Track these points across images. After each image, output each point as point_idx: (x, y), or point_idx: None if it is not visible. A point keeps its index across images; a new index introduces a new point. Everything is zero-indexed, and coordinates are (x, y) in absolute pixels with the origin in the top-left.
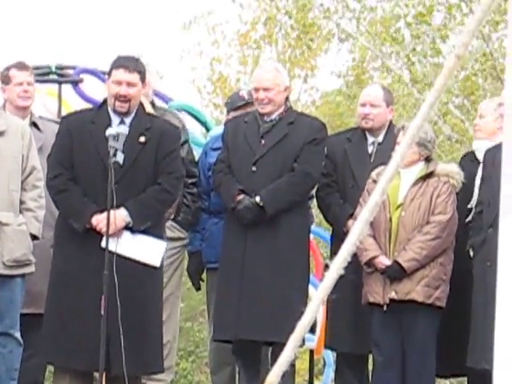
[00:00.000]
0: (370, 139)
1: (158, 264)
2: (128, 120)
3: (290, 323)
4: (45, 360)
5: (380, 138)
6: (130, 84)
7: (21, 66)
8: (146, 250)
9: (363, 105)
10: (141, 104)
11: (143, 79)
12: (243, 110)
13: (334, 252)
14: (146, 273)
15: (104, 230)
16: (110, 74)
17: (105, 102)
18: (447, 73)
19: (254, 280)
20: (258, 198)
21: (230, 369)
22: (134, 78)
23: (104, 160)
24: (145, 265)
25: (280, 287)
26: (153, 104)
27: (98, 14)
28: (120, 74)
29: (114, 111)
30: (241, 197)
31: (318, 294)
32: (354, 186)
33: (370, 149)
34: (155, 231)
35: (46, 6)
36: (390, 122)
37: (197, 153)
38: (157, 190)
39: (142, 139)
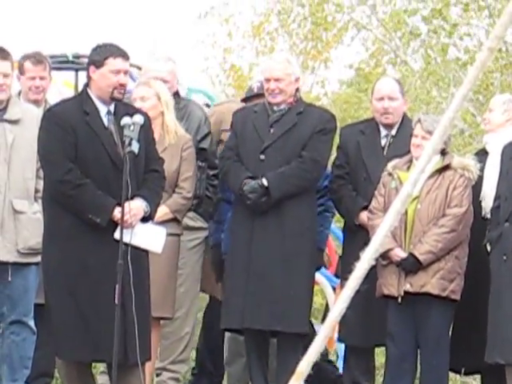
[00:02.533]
0: (384, 132)
1: (159, 251)
2: (111, 108)
3: (295, 312)
4: (59, 356)
5: (393, 131)
6: (126, 72)
7: (36, 60)
8: (151, 237)
9: (381, 99)
10: None
11: None
12: (253, 102)
13: (346, 244)
14: (146, 261)
15: (129, 221)
16: (102, 62)
17: (84, 90)
18: (480, 65)
19: (261, 269)
20: (264, 180)
21: (244, 360)
22: (128, 65)
23: (109, 151)
24: (146, 252)
25: (286, 276)
26: (178, 94)
27: (114, 3)
28: (119, 64)
29: (113, 99)
30: (248, 180)
31: (350, 284)
32: (366, 179)
33: (384, 141)
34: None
35: None
36: (404, 115)
37: None
38: (158, 178)
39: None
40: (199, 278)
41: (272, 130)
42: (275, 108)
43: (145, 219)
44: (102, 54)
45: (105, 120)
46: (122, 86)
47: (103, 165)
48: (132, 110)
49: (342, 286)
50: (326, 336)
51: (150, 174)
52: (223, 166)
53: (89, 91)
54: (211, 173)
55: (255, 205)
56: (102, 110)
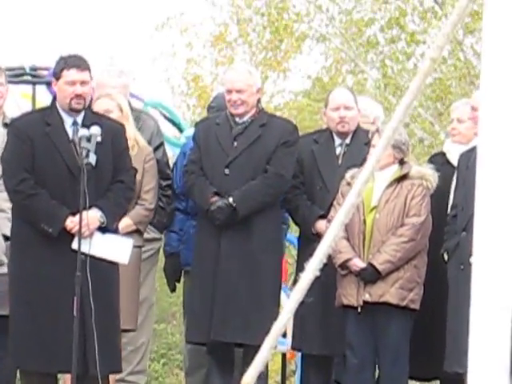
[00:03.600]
0: (338, 141)
1: (126, 262)
2: (79, 119)
3: (262, 325)
4: (16, 365)
5: (348, 140)
6: (83, 82)
7: None
8: (115, 248)
9: (337, 108)
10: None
11: (91, 76)
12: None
13: (301, 253)
14: (113, 272)
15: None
16: (59, 74)
17: (53, 102)
18: (422, 75)
19: (227, 282)
20: (230, 199)
21: (205, 370)
22: (86, 75)
23: (68, 162)
24: (113, 263)
25: (252, 289)
26: (130, 106)
27: (70, 16)
28: (73, 74)
29: (71, 110)
30: (214, 198)
31: (294, 296)
32: (322, 188)
33: (338, 150)
34: (117, 229)
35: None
36: (358, 124)
37: (171, 152)
38: (122, 188)
39: (99, 138)
40: (154, 287)
41: (236, 144)
42: (238, 120)
43: (104, 229)
44: (59, 66)
45: (69, 131)
46: (79, 96)
47: (61, 175)
48: (104, 120)
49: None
50: (270, 346)
51: (114, 184)
52: (187, 181)
53: (56, 103)
54: (164, 183)
55: (222, 224)
56: (68, 121)
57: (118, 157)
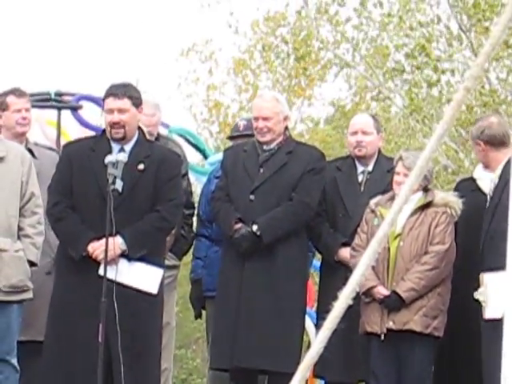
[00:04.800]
0: (360, 168)
1: (155, 291)
2: (128, 147)
3: (286, 352)
4: None
5: (370, 167)
6: (120, 110)
7: (19, 93)
8: (143, 277)
9: (355, 133)
10: (141, 131)
11: (137, 104)
12: (240, 140)
13: (323, 280)
14: (144, 301)
15: (99, 257)
16: (103, 103)
17: (104, 130)
18: (456, 105)
19: (251, 309)
20: (255, 227)
21: None
22: (125, 103)
23: (102, 187)
24: (143, 292)
25: (276, 316)
26: (158, 135)
27: (96, 41)
28: (110, 103)
29: (112, 139)
30: (238, 225)
31: (327, 324)
32: (344, 215)
33: (360, 177)
34: (153, 258)
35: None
36: (379, 151)
37: (196, 179)
38: (154, 218)
39: (141, 166)
40: (174, 313)
41: (262, 170)
42: (265, 147)
43: (129, 257)
44: (104, 94)
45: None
46: (116, 124)
47: (94, 201)
48: (157, 149)
49: (319, 321)
50: (303, 377)
51: (149, 214)
52: (214, 207)
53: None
54: (187, 212)
55: (246, 252)
56: (115, 148)
57: (161, 186)
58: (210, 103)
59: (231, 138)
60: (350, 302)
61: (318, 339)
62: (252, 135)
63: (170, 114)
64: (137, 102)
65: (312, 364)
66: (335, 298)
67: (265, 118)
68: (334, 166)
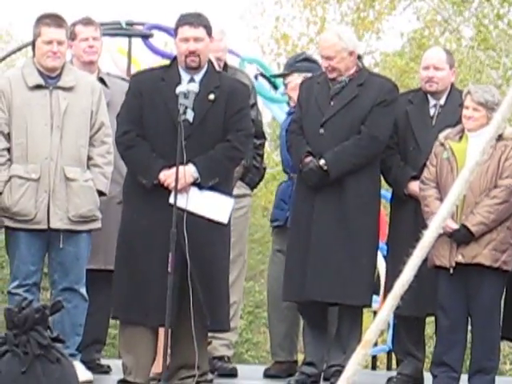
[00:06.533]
0: (432, 101)
1: (225, 221)
2: (198, 77)
3: (358, 286)
4: (116, 316)
5: (442, 101)
6: (196, 39)
7: (86, 22)
8: (214, 206)
9: (426, 68)
10: (210, 62)
11: (209, 33)
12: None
13: (393, 213)
14: (214, 230)
15: (172, 185)
16: (176, 32)
17: (174, 59)
18: None
19: (321, 243)
20: (322, 162)
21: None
22: (200, 32)
23: (173, 117)
24: (213, 221)
25: (347, 250)
26: (225, 63)
27: None
28: (186, 31)
29: (187, 67)
30: (307, 159)
31: (417, 252)
32: (415, 149)
33: (432, 111)
34: (223, 188)
35: None
36: (452, 85)
37: (267, 108)
38: (226, 147)
39: (211, 97)
40: (246, 246)
41: (332, 103)
42: (337, 79)
43: (200, 186)
44: (176, 23)
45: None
46: (193, 53)
47: (164, 130)
48: (225, 80)
49: (389, 253)
50: (392, 306)
51: (221, 143)
52: (287, 140)
53: (177, 61)
54: (257, 142)
55: (315, 186)
56: (185, 78)
57: (231, 116)
58: (277, 35)
59: (276, 76)
60: (441, 231)
61: (408, 267)
62: (286, 74)
63: (235, 46)
64: (209, 31)
65: (403, 292)
66: (405, 230)
67: (327, 57)
68: (405, 99)
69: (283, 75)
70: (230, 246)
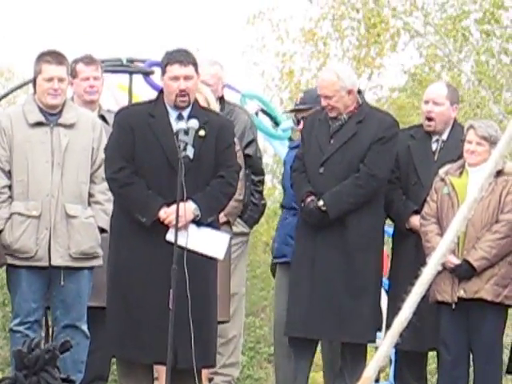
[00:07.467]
0: (434, 137)
1: (221, 257)
2: (185, 113)
3: (360, 323)
4: (111, 354)
5: (444, 136)
6: (186, 77)
7: (87, 61)
8: (211, 242)
9: (426, 102)
10: (195, 98)
11: (197, 70)
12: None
13: (395, 248)
14: (210, 266)
15: (173, 223)
16: (164, 70)
17: (160, 94)
18: None
19: (325, 280)
20: (320, 202)
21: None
22: (190, 70)
23: (167, 154)
24: (209, 258)
25: (350, 288)
26: (223, 99)
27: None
28: (176, 70)
29: (175, 106)
30: (308, 199)
31: (416, 289)
32: (417, 183)
33: (434, 146)
34: (215, 223)
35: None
36: (455, 120)
37: (269, 144)
38: (221, 183)
39: (202, 133)
40: (244, 280)
41: (332, 142)
42: (336, 118)
43: (198, 223)
44: (164, 60)
45: (173, 124)
46: (183, 91)
47: (160, 167)
48: (211, 115)
49: (391, 289)
50: (392, 342)
51: (215, 179)
52: (291, 178)
53: (163, 96)
54: (256, 179)
55: (316, 226)
56: (173, 114)
57: (221, 152)
58: (284, 70)
59: (290, 111)
60: (440, 268)
61: (407, 304)
62: (307, 109)
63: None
64: (197, 69)
65: (402, 329)
66: (407, 265)
67: (326, 97)
68: (407, 134)
69: (303, 110)
70: (229, 281)
